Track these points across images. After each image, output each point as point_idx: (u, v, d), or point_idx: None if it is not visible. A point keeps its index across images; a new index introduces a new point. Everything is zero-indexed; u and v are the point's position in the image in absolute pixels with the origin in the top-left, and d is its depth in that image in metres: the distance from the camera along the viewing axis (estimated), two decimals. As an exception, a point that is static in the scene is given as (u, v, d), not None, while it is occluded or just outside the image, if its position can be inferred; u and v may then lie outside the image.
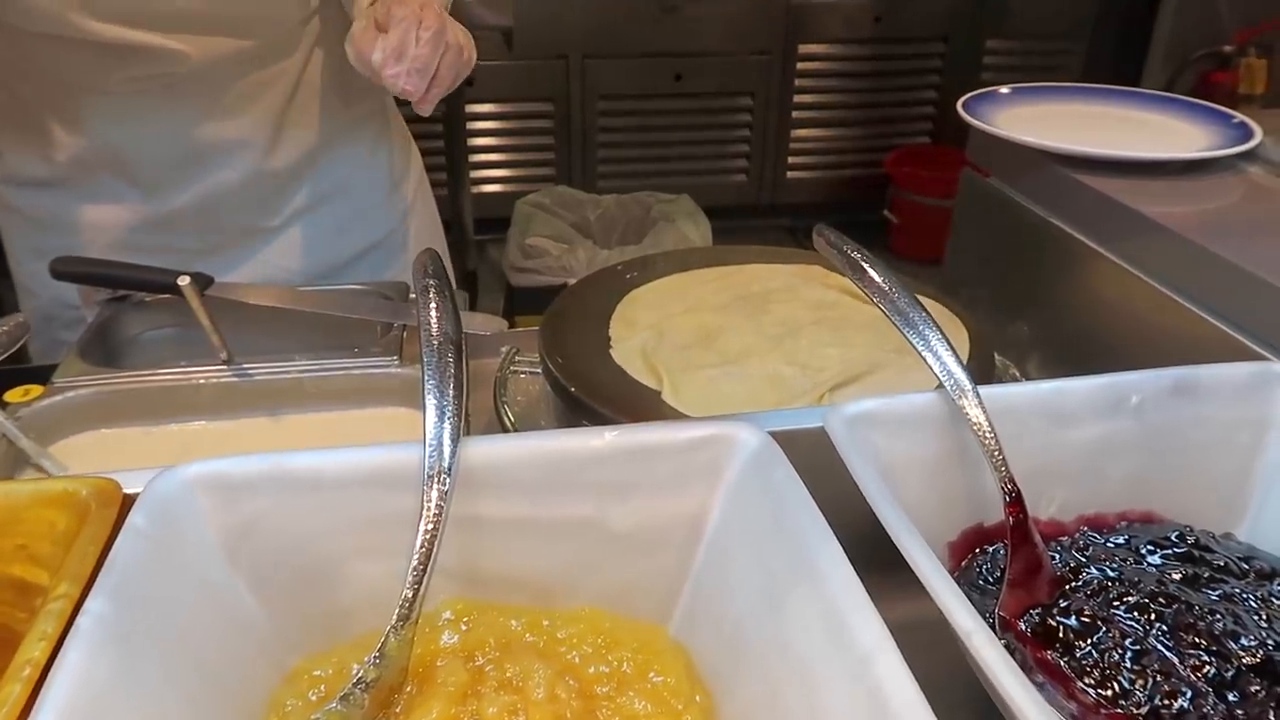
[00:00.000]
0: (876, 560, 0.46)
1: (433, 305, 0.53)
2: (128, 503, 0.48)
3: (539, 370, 0.88)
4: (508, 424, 0.85)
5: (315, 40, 1.03)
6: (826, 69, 3.01)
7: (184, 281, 0.85)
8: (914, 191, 2.95)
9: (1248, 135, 1.01)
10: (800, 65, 2.97)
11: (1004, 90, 1.14)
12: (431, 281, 0.56)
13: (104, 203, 1.02)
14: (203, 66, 0.95)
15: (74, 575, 0.43)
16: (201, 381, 0.86)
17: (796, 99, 3.02)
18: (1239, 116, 1.05)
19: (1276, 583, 0.53)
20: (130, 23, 0.89)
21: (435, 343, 0.52)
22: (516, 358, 0.93)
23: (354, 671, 0.45)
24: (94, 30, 0.89)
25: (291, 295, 0.94)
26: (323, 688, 0.47)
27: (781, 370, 0.84)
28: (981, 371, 0.84)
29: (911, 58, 3.04)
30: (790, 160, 3.11)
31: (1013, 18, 2.99)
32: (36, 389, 0.82)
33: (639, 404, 0.79)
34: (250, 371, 0.87)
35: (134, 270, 0.90)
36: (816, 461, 0.51)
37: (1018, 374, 0.92)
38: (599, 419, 0.78)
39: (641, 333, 0.90)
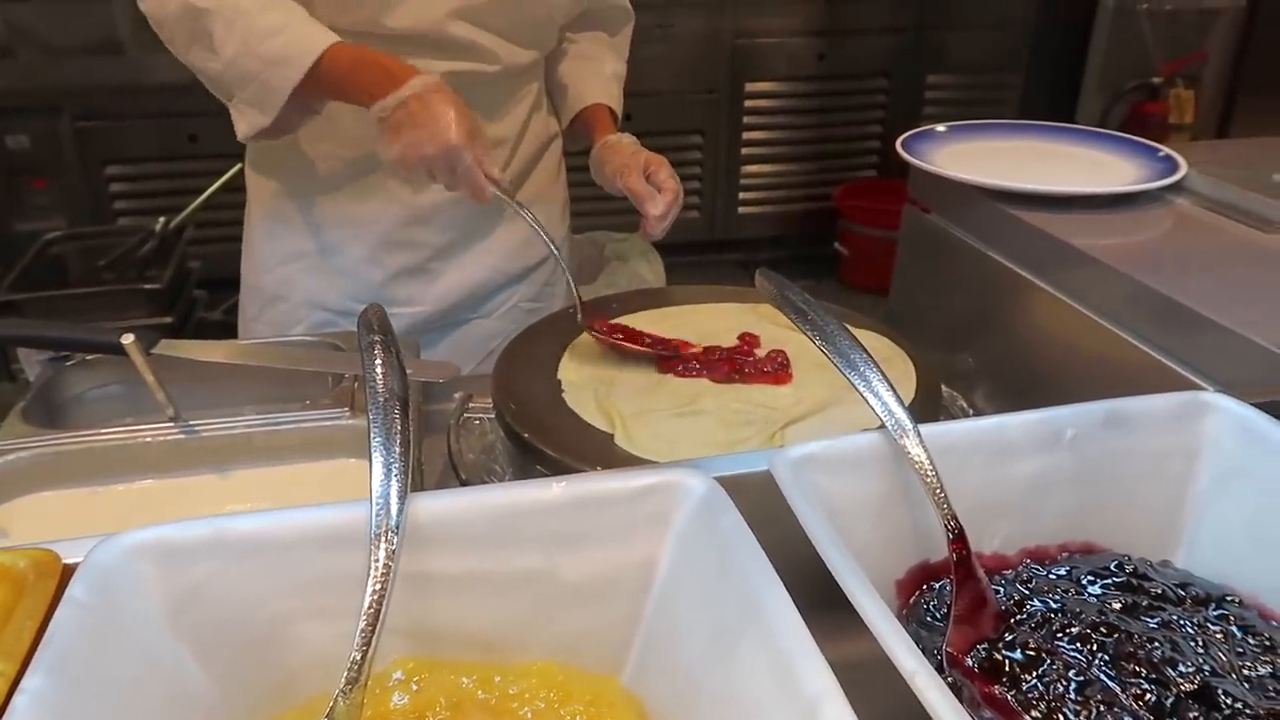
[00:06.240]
0: (827, 600, 0.47)
1: (378, 361, 0.53)
2: (68, 573, 0.47)
3: (493, 415, 0.89)
4: (461, 472, 0.84)
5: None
6: (774, 106, 3.07)
7: (128, 340, 0.84)
8: (862, 224, 3.01)
9: (1174, 168, 1.04)
10: (748, 103, 3.03)
11: (941, 128, 1.17)
12: (377, 338, 0.56)
13: (375, 201, 1.11)
14: (502, 70, 1.08)
15: (10, 652, 0.42)
16: (148, 440, 0.85)
17: (745, 136, 3.07)
18: (1165, 150, 1.09)
19: (1212, 608, 0.54)
20: (476, 22, 1.03)
21: (381, 399, 0.52)
22: (470, 404, 0.93)
23: (302, 738, 0.45)
24: (425, 26, 0.99)
25: (239, 350, 0.93)
26: (271, 755, 0.47)
27: (734, 409, 0.85)
28: (928, 404, 0.86)
29: (856, 94, 3.12)
30: (741, 196, 3.15)
31: (951, 54, 3.08)
32: (-25, 453, 0.81)
33: (593, 449, 0.79)
34: (198, 428, 0.86)
35: (76, 330, 0.89)
36: (765, 504, 0.52)
37: (965, 405, 0.94)
38: (553, 464, 0.78)
39: (594, 376, 0.90)
